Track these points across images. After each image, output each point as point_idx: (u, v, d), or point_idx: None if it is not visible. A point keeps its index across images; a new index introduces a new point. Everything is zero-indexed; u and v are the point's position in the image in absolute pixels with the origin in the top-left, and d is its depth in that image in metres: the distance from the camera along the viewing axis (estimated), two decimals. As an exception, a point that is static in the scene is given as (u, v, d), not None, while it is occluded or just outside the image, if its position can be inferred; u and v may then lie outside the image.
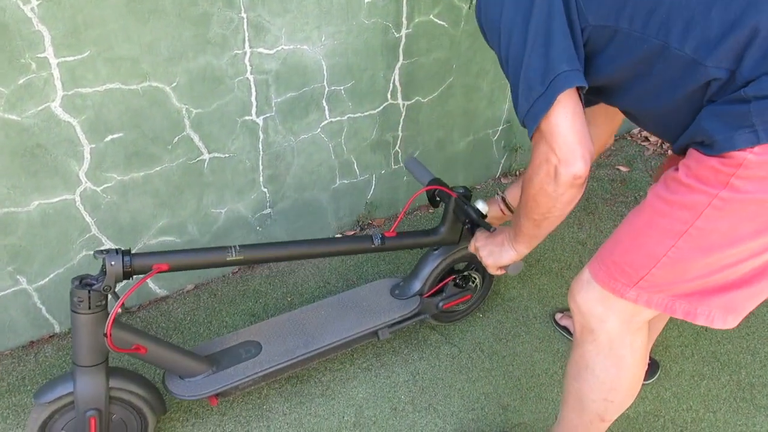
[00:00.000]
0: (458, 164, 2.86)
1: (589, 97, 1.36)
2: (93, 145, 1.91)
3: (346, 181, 2.54)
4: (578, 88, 1.16)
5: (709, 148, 1.10)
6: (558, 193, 1.22)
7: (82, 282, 1.53)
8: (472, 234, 1.80)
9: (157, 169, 2.07)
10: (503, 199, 1.88)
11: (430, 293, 2.08)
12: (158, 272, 1.58)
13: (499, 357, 2.16)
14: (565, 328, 2.23)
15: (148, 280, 2.27)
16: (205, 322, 2.27)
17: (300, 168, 2.37)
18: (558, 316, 2.28)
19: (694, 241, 1.15)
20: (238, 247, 1.67)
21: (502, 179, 3.08)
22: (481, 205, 1.88)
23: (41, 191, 1.89)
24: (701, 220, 1.12)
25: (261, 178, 2.30)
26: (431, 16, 2.34)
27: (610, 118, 1.62)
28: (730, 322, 1.24)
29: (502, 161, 3.04)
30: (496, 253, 1.60)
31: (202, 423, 1.92)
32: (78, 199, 1.97)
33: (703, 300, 1.23)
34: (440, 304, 2.11)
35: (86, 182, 1.96)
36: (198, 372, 1.79)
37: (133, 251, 1.56)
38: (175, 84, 1.94)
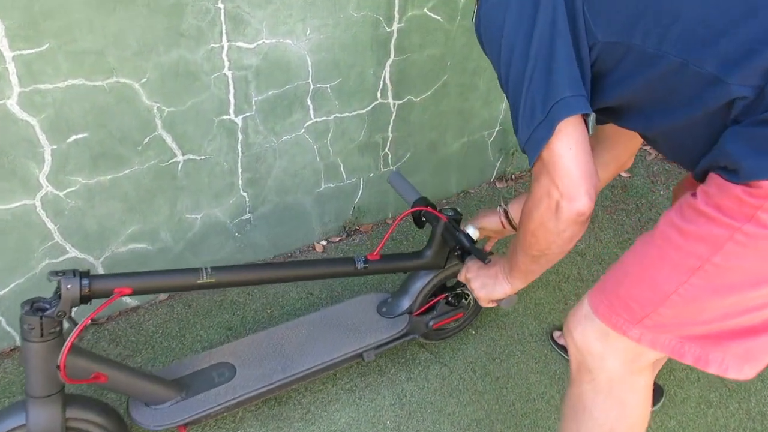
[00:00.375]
0: (451, 167, 2.71)
1: (601, 117, 1.24)
2: (54, 146, 1.74)
3: (331, 185, 2.38)
4: (584, 115, 1.07)
5: (733, 174, 0.97)
6: (559, 230, 1.12)
7: (33, 306, 1.37)
8: (462, 260, 1.68)
9: (126, 171, 1.90)
10: (505, 212, 1.74)
11: (419, 311, 1.94)
12: (120, 296, 1.43)
13: (492, 378, 2.02)
14: (564, 348, 2.10)
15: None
16: (178, 335, 2.11)
17: (282, 171, 2.21)
18: (556, 334, 2.14)
19: (709, 279, 1.02)
20: (209, 269, 1.52)
21: (497, 183, 2.93)
22: (471, 231, 1.74)
23: (-5, 196, 1.73)
24: (720, 256, 1.00)
25: (240, 182, 2.14)
26: (425, 10, 2.18)
27: (630, 136, 1.49)
28: (747, 372, 1.11)
29: (498, 164, 2.90)
30: (489, 286, 1.48)
31: (171, 450, 1.77)
32: (39, 204, 1.81)
33: (717, 345, 1.10)
34: (431, 323, 1.97)
35: (47, 186, 1.79)
36: (166, 398, 1.64)
37: (92, 273, 1.40)
38: (144, 80, 1.78)
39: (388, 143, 2.42)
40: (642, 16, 1.03)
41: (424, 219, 1.81)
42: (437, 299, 1.95)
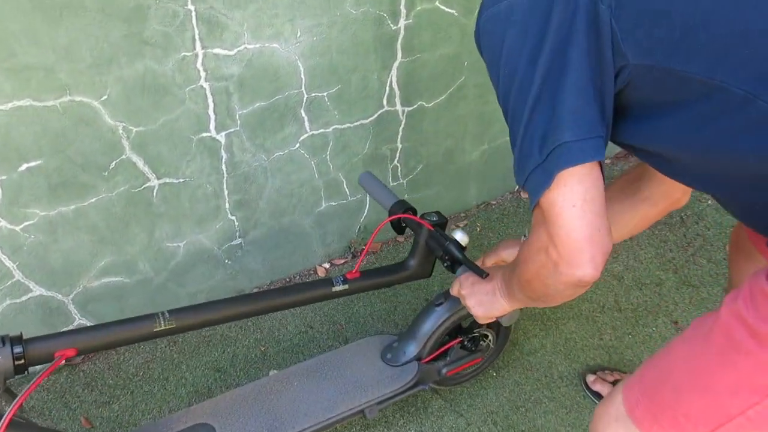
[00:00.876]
0: (470, 177, 2.42)
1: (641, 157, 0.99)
2: (3, 177, 1.51)
3: (333, 203, 2.12)
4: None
5: None
6: (557, 289, 0.95)
7: None
8: (452, 270, 1.46)
9: (92, 200, 1.66)
10: None
11: (430, 358, 1.67)
12: (64, 360, 1.19)
13: (515, 432, 1.76)
14: (598, 395, 1.81)
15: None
16: (161, 378, 1.88)
17: (275, 191, 1.95)
18: (590, 379, 1.85)
19: None
20: (167, 314, 1.28)
21: (521, 192, 2.63)
22: (459, 236, 1.49)
23: (-64, 236, 1.50)
24: None
25: (227, 205, 1.89)
26: (437, 3, 1.89)
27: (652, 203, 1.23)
28: None
29: (523, 171, 2.59)
30: (486, 304, 1.28)
31: None
32: (-9, 240, 1.58)
33: None
34: (444, 371, 1.70)
35: (0, 221, 1.56)
36: None
37: (25, 337, 1.16)
38: (105, 97, 1.52)
39: (398, 155, 2.14)
40: (689, 31, 0.76)
41: (404, 225, 1.57)
42: (450, 344, 1.68)
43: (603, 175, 0.88)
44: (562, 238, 0.87)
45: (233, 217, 1.92)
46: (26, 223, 1.60)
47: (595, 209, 0.86)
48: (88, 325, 1.26)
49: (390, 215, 1.56)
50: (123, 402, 1.82)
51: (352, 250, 2.27)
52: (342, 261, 2.25)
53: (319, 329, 2.03)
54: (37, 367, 1.17)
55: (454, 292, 1.42)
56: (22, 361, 1.14)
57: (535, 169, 0.87)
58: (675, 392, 0.88)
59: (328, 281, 1.46)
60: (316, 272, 2.22)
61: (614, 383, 1.79)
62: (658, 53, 0.80)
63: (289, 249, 2.12)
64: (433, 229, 1.52)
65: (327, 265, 2.24)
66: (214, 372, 1.90)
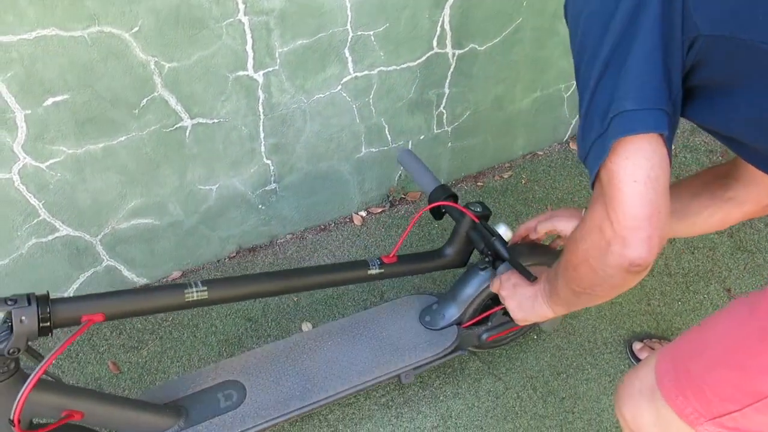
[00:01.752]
0: (518, 126, 2.27)
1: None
2: (28, 111, 1.41)
3: (374, 150, 1.99)
4: (662, 135, 0.81)
5: None
6: (606, 274, 0.89)
7: None
8: (492, 266, 1.39)
9: (122, 139, 1.56)
10: None
11: (471, 323, 1.59)
12: (91, 325, 1.12)
13: (556, 399, 1.68)
14: (645, 365, 1.73)
15: (121, 266, 1.83)
16: (191, 325, 1.83)
17: (314, 135, 1.83)
18: (636, 346, 1.76)
19: None
20: (200, 284, 1.20)
21: (570, 144, 2.48)
22: (503, 230, 1.40)
23: (-39, 172, 1.42)
24: None
25: (262, 148, 1.78)
26: (499, -66, 1.71)
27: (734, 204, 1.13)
28: None
29: (574, 122, 2.43)
30: (527, 308, 1.22)
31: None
32: (16, 178, 1.49)
33: None
34: (484, 337, 1.62)
35: (25, 157, 1.47)
36: (160, 427, 1.36)
37: (53, 296, 1.09)
38: (136, 29, 1.40)
39: (444, 100, 2.00)
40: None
41: (444, 211, 1.49)
42: (493, 311, 1.59)
43: (670, 156, 0.83)
44: (618, 214, 0.82)
45: (269, 161, 1.82)
46: (52, 161, 1.51)
47: (659, 188, 0.81)
48: (114, 291, 1.17)
49: (430, 201, 1.47)
50: (152, 347, 1.77)
51: (390, 198, 2.16)
52: (379, 210, 2.15)
53: (354, 281, 1.95)
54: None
55: (494, 289, 1.34)
56: (48, 323, 1.06)
57: (597, 140, 0.82)
58: (707, 366, 0.86)
59: (364, 263, 1.41)
60: (352, 220, 2.12)
61: (662, 353, 1.70)
62: (732, 23, 0.74)
63: (325, 196, 2.02)
64: (477, 221, 1.42)
65: (364, 213, 2.14)
66: (245, 321, 1.84)
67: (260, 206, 1.92)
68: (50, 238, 1.65)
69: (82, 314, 1.11)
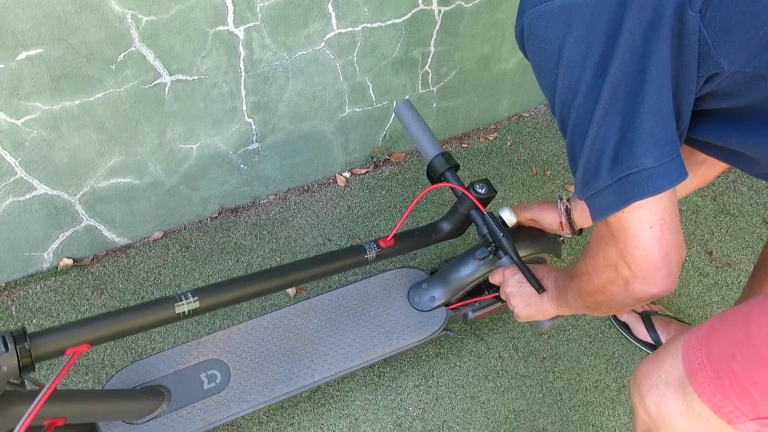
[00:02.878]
0: (504, 87, 2.25)
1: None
2: (0, 65, 1.36)
3: (358, 109, 1.97)
4: None
5: None
6: (625, 303, 0.92)
7: None
8: (494, 254, 1.35)
9: (99, 96, 1.52)
10: (567, 210, 1.33)
11: (459, 305, 1.58)
12: (78, 356, 1.07)
13: (537, 360, 1.70)
14: (625, 326, 1.74)
15: (102, 226, 1.80)
16: (173, 284, 1.82)
17: (297, 93, 1.80)
18: (617, 308, 1.78)
19: None
20: (189, 295, 1.13)
21: (557, 105, 2.46)
22: (506, 215, 1.37)
23: (-70, 128, 1.38)
24: None
25: (244, 106, 1.75)
26: None
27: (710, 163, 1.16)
28: None
29: (560, 83, 2.41)
30: (532, 307, 1.23)
31: None
32: (-10, 134, 1.46)
33: None
34: (470, 316, 1.62)
35: (-1, 113, 1.44)
36: (144, 413, 1.34)
37: (29, 331, 1.00)
38: (111, -20, 1.35)
39: (429, 59, 1.97)
40: None
41: (442, 179, 1.39)
42: (486, 297, 1.58)
43: None
44: (636, 259, 0.84)
45: (250, 120, 1.79)
46: (27, 117, 1.48)
47: (674, 226, 0.82)
48: (97, 314, 1.09)
49: (429, 171, 1.39)
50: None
51: (375, 159, 2.14)
52: (363, 171, 2.13)
53: (338, 242, 1.95)
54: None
55: (495, 281, 1.34)
56: (29, 360, 0.99)
57: (604, 190, 0.81)
58: (754, 365, 0.79)
59: (360, 249, 1.34)
60: (335, 181, 2.10)
61: (642, 314, 1.71)
62: (759, 60, 0.73)
63: (309, 156, 2.00)
64: (484, 211, 1.35)
65: (347, 174, 2.12)
66: (228, 281, 1.83)
67: (242, 166, 1.89)
68: (27, 197, 1.62)
69: (65, 346, 1.03)
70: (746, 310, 0.82)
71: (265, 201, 2.04)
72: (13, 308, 1.72)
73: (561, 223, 1.34)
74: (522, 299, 1.23)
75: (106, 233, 1.83)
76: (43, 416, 1.12)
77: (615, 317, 1.77)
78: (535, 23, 0.82)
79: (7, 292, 1.76)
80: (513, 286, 1.26)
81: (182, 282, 1.82)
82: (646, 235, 0.82)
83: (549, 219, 1.36)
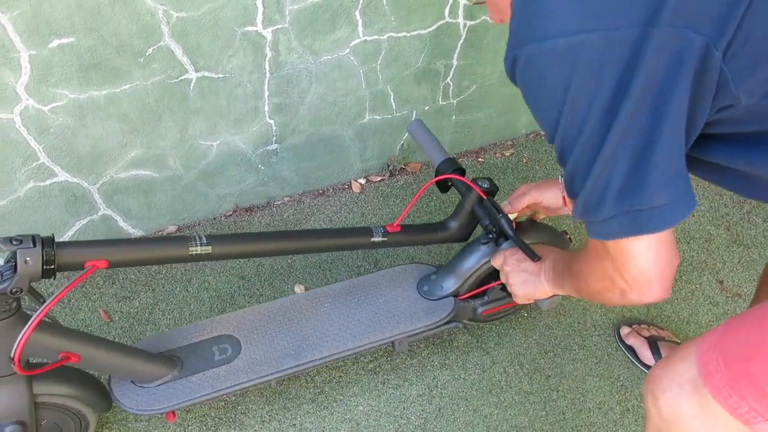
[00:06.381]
0: (523, 103, 2.21)
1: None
2: (33, 52, 1.39)
3: (377, 117, 1.98)
4: None
5: None
6: (620, 305, 1.00)
7: None
8: (495, 243, 1.40)
9: (125, 87, 1.55)
10: None
11: (467, 295, 1.59)
12: (94, 271, 1.12)
13: (542, 377, 1.70)
14: (631, 349, 1.74)
15: (118, 216, 1.82)
16: (183, 279, 1.83)
17: (318, 97, 1.82)
18: (624, 331, 1.77)
19: None
20: (204, 238, 1.21)
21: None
22: (510, 208, 1.41)
23: (-40, 108, 1.41)
24: None
25: (266, 107, 1.77)
26: None
27: None
28: None
29: (580, 103, 2.42)
30: (530, 284, 1.25)
31: (159, 422, 1.53)
32: (18, 119, 1.48)
33: None
34: (479, 310, 1.62)
35: (27, 99, 1.46)
36: (155, 376, 1.37)
37: (57, 239, 1.09)
38: (146, -25, 1.38)
39: (452, 72, 1.98)
40: None
41: (450, 184, 1.51)
42: (492, 285, 1.59)
43: None
44: (634, 276, 0.86)
45: (271, 121, 1.81)
46: (54, 104, 1.50)
47: (669, 244, 0.84)
48: (118, 238, 1.17)
49: (437, 174, 1.48)
50: (144, 299, 1.77)
51: (391, 168, 2.16)
52: (379, 178, 2.14)
53: (349, 247, 1.95)
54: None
55: (496, 264, 1.36)
56: (52, 266, 1.07)
57: (609, 220, 0.82)
58: (765, 365, 0.81)
59: (368, 230, 1.43)
60: (350, 187, 2.12)
61: (649, 338, 1.71)
62: None
63: (326, 160, 2.01)
64: (485, 197, 1.43)
65: (363, 181, 2.14)
66: (239, 279, 1.84)
67: (260, 166, 1.91)
68: (48, 182, 1.64)
69: (86, 259, 1.11)
70: (762, 313, 0.85)
71: (279, 202, 2.05)
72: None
73: (564, 197, 1.35)
74: (520, 277, 1.25)
75: (122, 224, 1.85)
76: (60, 348, 1.17)
77: (621, 340, 1.77)
78: (536, 60, 0.79)
79: (20, 276, 1.77)
80: (512, 264, 1.28)
81: (193, 277, 1.84)
82: (644, 257, 0.84)
83: (550, 196, 1.36)
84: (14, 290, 1.05)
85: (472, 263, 1.55)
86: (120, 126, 1.61)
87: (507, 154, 2.32)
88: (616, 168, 0.77)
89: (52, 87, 1.47)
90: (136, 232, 1.89)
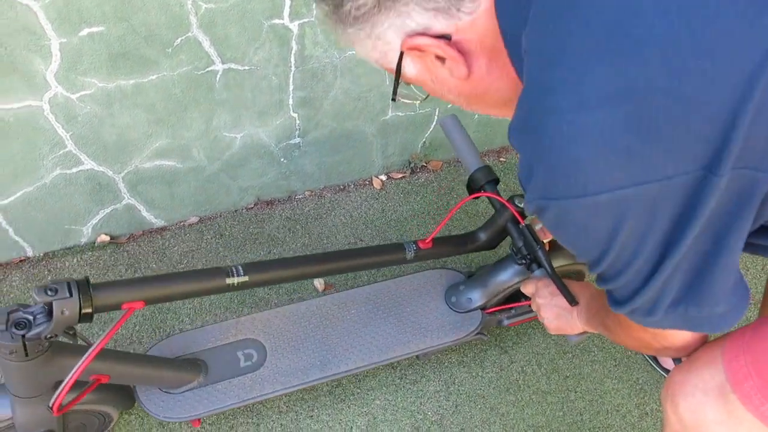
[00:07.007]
0: (547, 104, 2.24)
1: None
2: (63, 40, 1.41)
3: (400, 113, 1.98)
4: None
5: None
6: (657, 353, 0.99)
7: (12, 320, 1.03)
8: (528, 268, 1.35)
9: (153, 77, 1.56)
10: None
11: (495, 309, 1.59)
12: (132, 314, 1.11)
13: (560, 377, 1.69)
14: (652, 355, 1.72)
15: (141, 206, 1.84)
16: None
17: (343, 92, 1.82)
18: (645, 334, 1.76)
19: None
20: (240, 269, 1.18)
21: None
22: (541, 226, 1.36)
23: (-6, 94, 1.43)
24: None
25: (291, 100, 1.77)
26: None
27: None
28: None
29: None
30: (563, 319, 1.23)
31: (176, 411, 1.55)
32: (47, 106, 1.50)
33: None
34: (505, 323, 1.62)
35: (56, 87, 1.48)
36: (181, 383, 1.38)
37: (93, 281, 1.05)
38: (177, -34, 1.39)
39: (476, 70, 1.98)
40: None
41: (483, 191, 1.40)
42: (520, 304, 1.58)
43: None
44: (671, 342, 0.89)
45: (295, 115, 1.81)
46: (83, 93, 1.52)
47: None
48: (153, 275, 1.14)
49: (469, 182, 1.40)
50: (165, 288, 1.79)
51: (412, 165, 2.16)
52: (400, 175, 2.14)
53: (369, 243, 1.96)
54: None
55: (527, 291, 1.34)
56: (89, 310, 1.04)
57: (659, 321, 0.79)
58: None
59: (400, 247, 1.40)
60: (371, 183, 2.12)
61: (670, 343, 1.69)
62: None
63: (348, 155, 2.02)
64: (523, 223, 1.36)
65: (384, 177, 2.14)
66: (258, 271, 1.85)
67: (282, 159, 1.92)
68: (74, 170, 1.66)
69: (122, 300, 1.08)
70: None
71: (300, 196, 2.06)
72: (49, 278, 1.76)
73: None
74: (552, 311, 1.23)
75: (145, 213, 1.87)
76: (90, 371, 1.16)
77: (642, 343, 1.75)
78: (573, 213, 0.71)
79: (44, 262, 1.80)
80: (545, 297, 1.26)
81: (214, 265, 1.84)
82: (690, 336, 0.87)
83: None
84: (49, 336, 1.04)
85: (504, 280, 1.53)
86: (146, 116, 1.63)
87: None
88: (670, 287, 0.74)
89: (81, 75, 1.48)
90: (158, 222, 1.91)
